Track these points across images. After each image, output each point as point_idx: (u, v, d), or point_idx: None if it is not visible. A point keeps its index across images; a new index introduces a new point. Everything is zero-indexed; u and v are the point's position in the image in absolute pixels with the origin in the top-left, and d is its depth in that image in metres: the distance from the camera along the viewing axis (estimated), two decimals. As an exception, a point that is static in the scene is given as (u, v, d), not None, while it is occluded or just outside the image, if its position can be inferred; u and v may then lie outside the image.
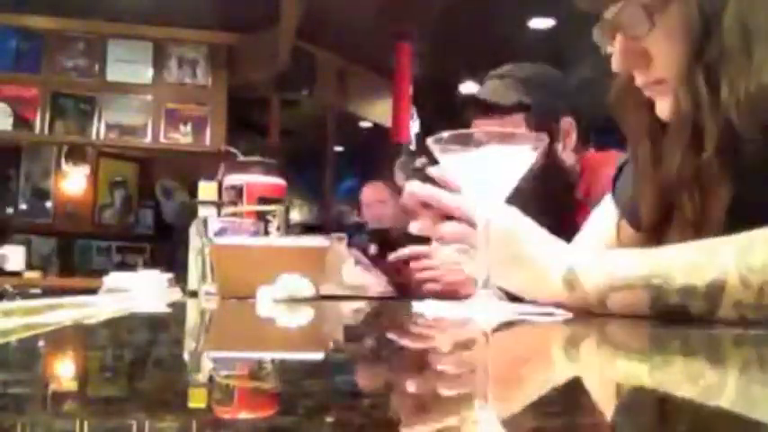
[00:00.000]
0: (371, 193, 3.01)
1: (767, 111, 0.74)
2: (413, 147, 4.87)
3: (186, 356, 0.51)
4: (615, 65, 0.86)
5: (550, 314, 0.76)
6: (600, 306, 0.78)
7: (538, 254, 0.86)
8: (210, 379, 0.40)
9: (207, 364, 0.46)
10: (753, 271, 0.66)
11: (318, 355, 0.53)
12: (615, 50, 0.85)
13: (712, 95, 0.77)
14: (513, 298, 0.90)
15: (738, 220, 0.71)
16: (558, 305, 0.80)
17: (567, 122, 1.56)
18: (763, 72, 0.74)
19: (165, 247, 4.99)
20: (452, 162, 0.84)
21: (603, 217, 1.04)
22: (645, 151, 0.90)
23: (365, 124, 6.19)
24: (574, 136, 1.55)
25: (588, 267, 0.80)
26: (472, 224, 0.87)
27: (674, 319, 0.71)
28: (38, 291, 3.59)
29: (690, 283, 0.69)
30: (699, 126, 0.79)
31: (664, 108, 0.85)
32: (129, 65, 4.99)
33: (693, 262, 0.70)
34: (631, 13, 0.82)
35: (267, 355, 0.51)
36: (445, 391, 0.36)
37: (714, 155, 0.78)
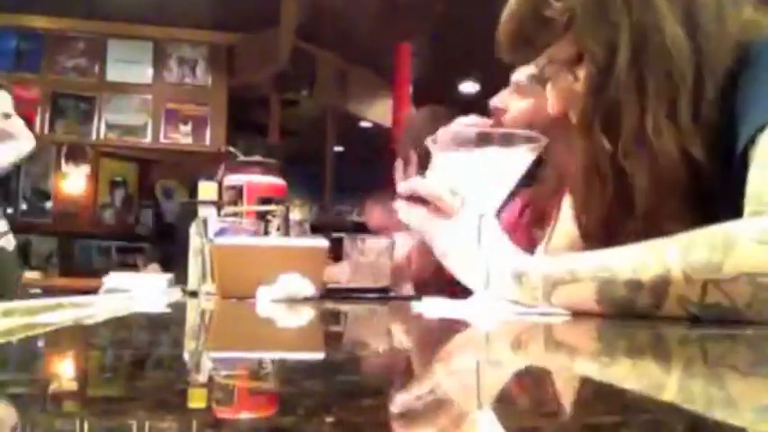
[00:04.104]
0: (376, 216, 2.96)
1: (663, 162, 0.79)
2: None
3: (186, 356, 0.51)
4: (551, 109, 0.92)
5: (550, 314, 0.76)
6: (546, 301, 0.79)
7: (489, 250, 0.89)
8: (210, 379, 0.40)
9: (207, 364, 0.46)
10: (695, 269, 0.67)
11: (318, 355, 0.53)
12: (549, 97, 0.91)
13: (609, 145, 0.82)
14: None
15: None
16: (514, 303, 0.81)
17: None
18: (656, 128, 0.79)
19: (164, 247, 4.98)
20: (452, 162, 0.84)
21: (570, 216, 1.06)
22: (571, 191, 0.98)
23: (365, 124, 6.19)
24: None
25: (536, 263, 0.83)
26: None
27: (620, 314, 0.72)
28: (38, 291, 3.59)
29: (636, 278, 0.71)
30: (601, 172, 0.85)
31: None
32: (129, 65, 4.99)
33: (639, 258, 0.72)
34: (555, 69, 0.89)
35: (267, 355, 0.51)
36: (445, 392, 0.36)
37: (612, 201, 0.84)
